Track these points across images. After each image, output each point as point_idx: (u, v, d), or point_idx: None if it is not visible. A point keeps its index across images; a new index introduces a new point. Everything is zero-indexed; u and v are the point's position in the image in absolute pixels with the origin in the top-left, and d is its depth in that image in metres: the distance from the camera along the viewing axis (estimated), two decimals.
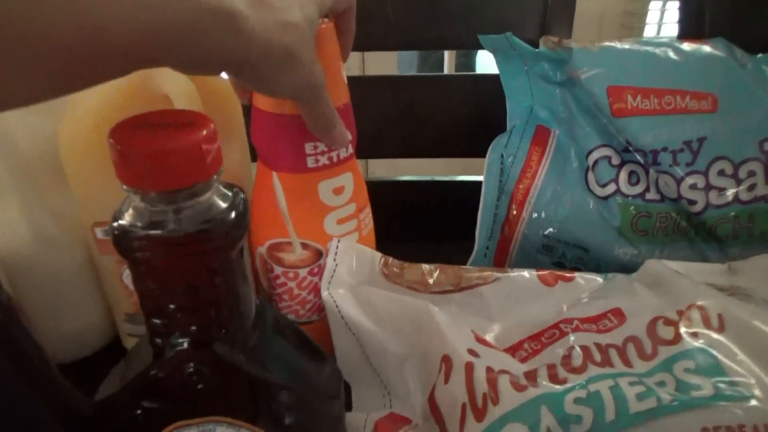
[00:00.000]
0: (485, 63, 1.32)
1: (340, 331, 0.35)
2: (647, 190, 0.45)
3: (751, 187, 0.44)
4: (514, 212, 0.47)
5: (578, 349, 0.28)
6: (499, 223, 0.48)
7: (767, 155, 0.44)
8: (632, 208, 0.45)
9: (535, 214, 0.47)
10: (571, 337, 0.29)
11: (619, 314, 0.32)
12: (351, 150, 0.37)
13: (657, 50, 0.46)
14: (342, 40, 0.34)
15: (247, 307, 0.22)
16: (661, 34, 1.64)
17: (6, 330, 0.22)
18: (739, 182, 0.44)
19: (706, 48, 0.47)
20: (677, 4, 0.57)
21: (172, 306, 0.21)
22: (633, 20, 1.70)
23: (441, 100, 0.60)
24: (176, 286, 0.20)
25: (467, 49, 0.57)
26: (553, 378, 0.26)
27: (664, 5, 2.01)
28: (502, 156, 0.48)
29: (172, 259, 0.20)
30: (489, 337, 0.33)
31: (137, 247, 0.19)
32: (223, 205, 0.20)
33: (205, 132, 0.19)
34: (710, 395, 0.24)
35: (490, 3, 0.57)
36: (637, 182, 0.45)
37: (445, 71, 1.73)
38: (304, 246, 0.36)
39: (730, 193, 0.44)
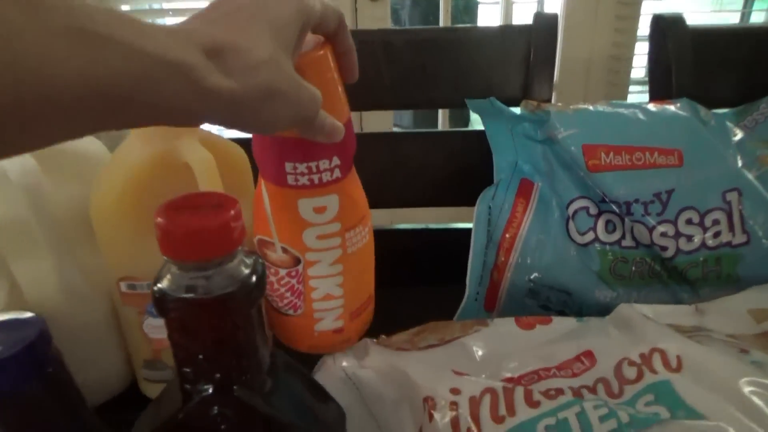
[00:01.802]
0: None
1: (340, 385, 0.39)
2: (623, 237, 0.49)
3: (716, 234, 0.48)
4: (502, 259, 0.51)
5: (553, 392, 0.32)
6: (488, 269, 0.51)
7: (729, 205, 0.48)
8: (610, 254, 0.49)
9: (521, 261, 0.50)
10: (547, 383, 0.33)
11: (590, 356, 0.35)
12: (338, 174, 0.37)
13: (627, 111, 0.51)
14: (343, 61, 0.34)
15: (264, 356, 0.26)
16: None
17: (57, 378, 0.26)
18: (705, 230, 0.48)
19: (672, 108, 0.52)
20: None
21: (200, 356, 0.24)
22: (619, 65, 1.77)
23: (433, 154, 0.65)
24: (204, 339, 0.24)
25: (456, 108, 0.62)
26: (528, 400, 0.30)
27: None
28: (490, 207, 0.52)
29: (202, 317, 0.23)
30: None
31: (173, 308, 0.23)
32: (246, 270, 0.24)
33: (232, 212, 0.23)
34: (667, 417, 0.28)
35: (476, 66, 0.62)
36: (614, 230, 0.50)
37: (440, 120, 1.81)
38: (285, 250, 0.38)
39: (698, 239, 0.48)
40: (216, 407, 0.25)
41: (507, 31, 0.61)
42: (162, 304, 0.23)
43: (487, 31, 0.62)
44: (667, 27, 0.59)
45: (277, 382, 0.27)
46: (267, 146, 0.36)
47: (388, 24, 1.84)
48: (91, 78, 0.20)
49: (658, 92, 0.61)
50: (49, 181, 0.39)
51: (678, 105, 0.52)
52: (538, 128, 0.52)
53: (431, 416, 0.32)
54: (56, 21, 0.19)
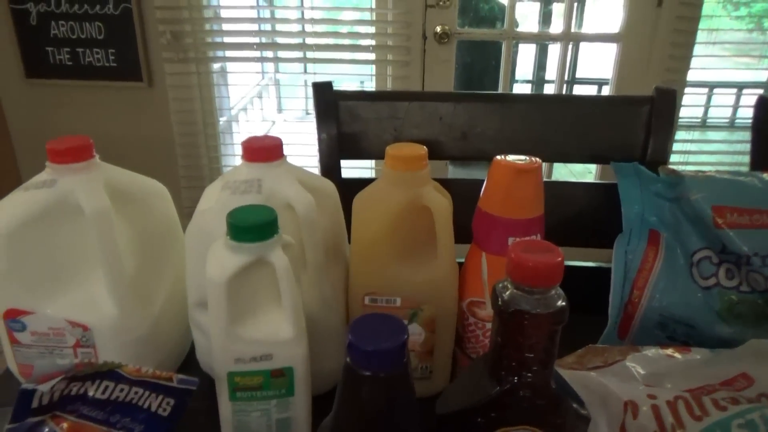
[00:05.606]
0: None
1: None
2: (741, 284, 0.60)
3: None
4: (636, 297, 0.62)
5: (730, 399, 0.42)
6: (623, 303, 0.62)
7: None
8: (727, 297, 0.60)
9: (652, 299, 0.61)
10: (718, 395, 0.43)
11: (746, 377, 0.46)
12: None
13: (746, 179, 0.62)
14: None
15: (555, 357, 0.36)
16: None
17: (407, 373, 0.36)
18: None
19: None
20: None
21: (517, 353, 0.35)
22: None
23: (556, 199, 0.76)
24: (524, 341, 0.35)
25: (580, 162, 0.73)
26: (716, 405, 0.40)
27: None
28: (626, 252, 0.63)
29: (530, 326, 0.34)
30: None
31: (510, 316, 0.34)
32: (560, 300, 0.34)
33: (559, 258, 0.34)
34: None
35: (601, 128, 0.74)
36: (733, 278, 0.60)
37: None
38: None
39: None
40: (521, 391, 0.36)
41: (632, 100, 0.73)
42: (503, 311, 0.34)
43: (615, 100, 0.74)
44: None
45: (556, 376, 0.37)
46: (494, 225, 0.49)
47: (452, 63, 1.98)
48: None
49: (758, 158, 0.72)
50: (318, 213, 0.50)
51: None
52: (670, 189, 0.63)
53: (635, 414, 0.42)
54: None
